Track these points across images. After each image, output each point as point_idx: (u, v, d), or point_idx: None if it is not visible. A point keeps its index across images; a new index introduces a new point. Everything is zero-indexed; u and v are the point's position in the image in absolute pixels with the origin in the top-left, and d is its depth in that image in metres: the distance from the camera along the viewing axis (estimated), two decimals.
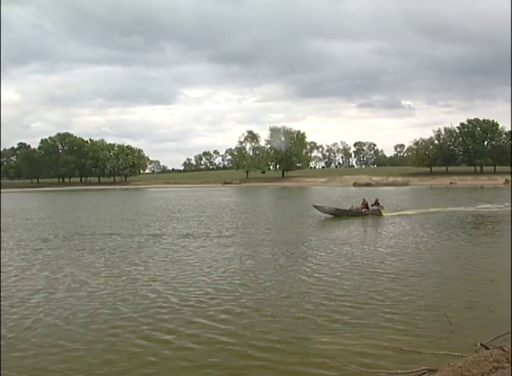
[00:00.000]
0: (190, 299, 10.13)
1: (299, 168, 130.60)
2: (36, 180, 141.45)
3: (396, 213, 28.59)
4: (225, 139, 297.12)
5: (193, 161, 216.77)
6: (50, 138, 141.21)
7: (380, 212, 27.21)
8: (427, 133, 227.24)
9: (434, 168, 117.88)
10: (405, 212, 29.29)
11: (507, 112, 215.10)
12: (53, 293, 10.78)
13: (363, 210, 27.29)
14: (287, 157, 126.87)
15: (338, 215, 27.03)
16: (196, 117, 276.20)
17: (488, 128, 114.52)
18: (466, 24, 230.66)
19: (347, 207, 28.50)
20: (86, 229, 23.56)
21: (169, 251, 16.40)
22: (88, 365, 6.88)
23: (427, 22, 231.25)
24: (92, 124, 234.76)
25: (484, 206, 33.87)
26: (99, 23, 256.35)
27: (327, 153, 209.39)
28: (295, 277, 12.12)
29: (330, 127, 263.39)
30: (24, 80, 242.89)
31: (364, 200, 28.39)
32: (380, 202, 28.36)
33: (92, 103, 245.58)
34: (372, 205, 27.81)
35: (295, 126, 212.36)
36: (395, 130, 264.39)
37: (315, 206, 28.68)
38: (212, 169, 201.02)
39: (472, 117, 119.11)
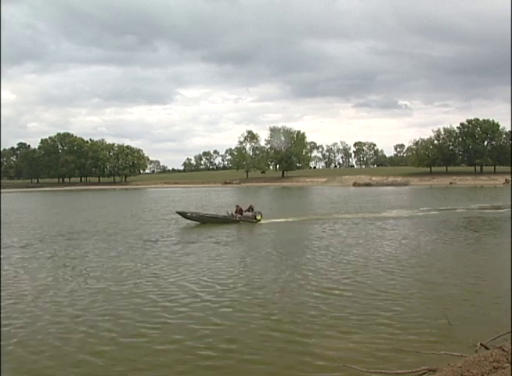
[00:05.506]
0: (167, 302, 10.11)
1: (299, 168, 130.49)
2: (36, 180, 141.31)
3: (275, 220, 26.07)
4: (223, 139, 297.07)
5: (193, 161, 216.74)
6: (50, 138, 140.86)
7: (256, 218, 25.29)
8: (426, 133, 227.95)
9: (434, 168, 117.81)
10: (289, 219, 26.97)
11: (505, 112, 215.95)
12: None
13: (238, 217, 25.47)
14: (287, 157, 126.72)
15: (204, 221, 25.07)
16: (193, 117, 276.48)
17: (489, 128, 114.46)
18: (462, 24, 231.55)
19: (222, 214, 26.27)
20: (63, 233, 22.50)
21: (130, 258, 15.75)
22: None
23: (423, 21, 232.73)
24: (89, 124, 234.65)
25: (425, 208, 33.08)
26: (92, 23, 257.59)
27: (327, 153, 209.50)
28: (292, 281, 12.11)
29: (328, 127, 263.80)
30: (20, 80, 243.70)
31: (238, 206, 26.52)
32: (254, 208, 26.29)
33: (88, 102, 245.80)
34: (245, 211, 25.91)
35: (293, 126, 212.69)
36: (394, 130, 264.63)
37: (178, 212, 26.48)
38: (212, 169, 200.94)
39: (469, 117, 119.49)
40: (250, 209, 26.09)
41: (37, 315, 9.20)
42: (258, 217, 25.49)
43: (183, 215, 25.83)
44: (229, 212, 26.04)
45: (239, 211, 25.93)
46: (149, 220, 28.63)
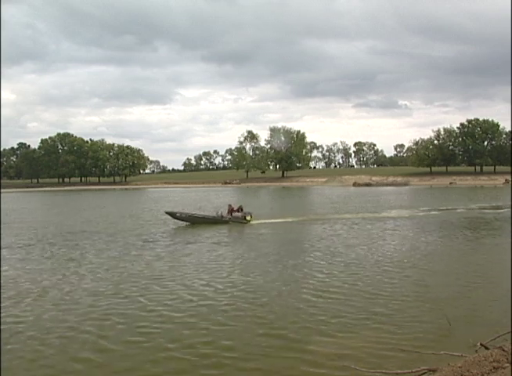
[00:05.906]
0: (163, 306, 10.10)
1: (299, 168, 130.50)
2: (36, 180, 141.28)
3: (266, 221, 25.87)
4: (223, 139, 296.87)
5: (193, 161, 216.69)
6: (50, 138, 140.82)
7: (245, 218, 25.09)
8: (426, 133, 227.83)
9: (434, 168, 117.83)
10: (278, 220, 26.47)
11: (505, 112, 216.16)
12: None
13: (228, 217, 25.29)
14: (287, 157, 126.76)
15: (194, 222, 24.86)
16: (193, 117, 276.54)
17: (489, 128, 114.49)
18: (462, 24, 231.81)
19: (213, 214, 25.93)
20: (63, 233, 22.56)
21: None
22: None
23: (423, 21, 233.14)
24: (89, 124, 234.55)
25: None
26: (92, 23, 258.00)
27: (327, 153, 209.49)
28: (291, 282, 12.10)
29: (328, 127, 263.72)
30: (20, 80, 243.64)
31: (230, 205, 26.49)
32: (244, 208, 25.97)
33: (88, 102, 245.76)
34: (235, 211, 25.65)
35: (293, 126, 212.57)
36: (394, 130, 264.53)
37: (167, 213, 26.24)
38: (212, 169, 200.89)
39: (469, 117, 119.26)
40: (240, 210, 25.89)
41: (30, 320, 9.06)
42: (248, 217, 25.35)
43: (172, 215, 25.55)
44: (219, 213, 25.79)
45: (231, 211, 25.77)
46: (149, 220, 28.62)
